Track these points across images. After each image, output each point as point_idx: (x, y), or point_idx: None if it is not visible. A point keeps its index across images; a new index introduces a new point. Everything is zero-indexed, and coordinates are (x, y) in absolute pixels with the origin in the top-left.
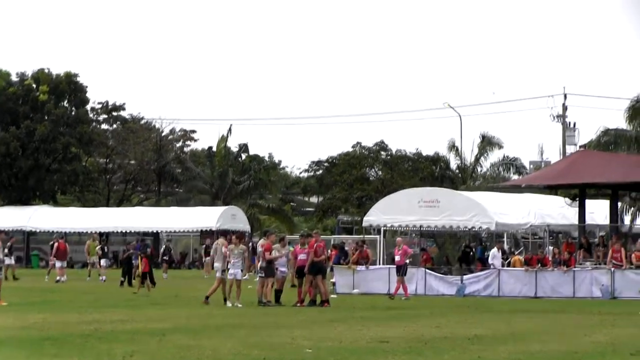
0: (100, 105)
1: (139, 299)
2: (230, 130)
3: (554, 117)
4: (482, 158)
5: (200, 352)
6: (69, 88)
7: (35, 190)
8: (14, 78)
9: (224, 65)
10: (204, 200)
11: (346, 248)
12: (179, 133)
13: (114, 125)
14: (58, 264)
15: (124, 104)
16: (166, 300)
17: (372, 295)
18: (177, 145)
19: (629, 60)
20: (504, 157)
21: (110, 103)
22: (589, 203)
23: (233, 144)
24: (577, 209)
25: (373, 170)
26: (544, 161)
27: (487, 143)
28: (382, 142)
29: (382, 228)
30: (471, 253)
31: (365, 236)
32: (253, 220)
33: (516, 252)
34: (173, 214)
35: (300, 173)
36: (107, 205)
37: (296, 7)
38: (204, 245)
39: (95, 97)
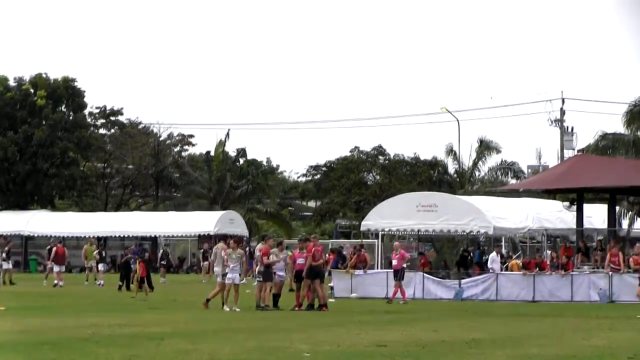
0: (98, 110)
1: (137, 303)
2: (228, 134)
3: (551, 122)
4: (480, 162)
5: (199, 357)
6: (66, 93)
7: (33, 195)
8: (11, 83)
9: (222, 70)
10: (201, 204)
11: (344, 252)
12: (177, 138)
13: (112, 130)
14: (56, 268)
15: (121, 108)
16: (164, 304)
17: (370, 299)
18: (175, 149)
19: (627, 64)
20: (501, 161)
21: (108, 108)
22: (587, 207)
23: (231, 149)
24: (575, 213)
25: (371, 174)
26: (542, 165)
27: (485, 147)
28: (380, 146)
29: (380, 232)
30: (469, 257)
31: (363, 240)
32: (251, 225)
33: (514, 257)
34: (171, 218)
35: (298, 177)
36: (105, 210)
37: (294, 12)
38: (202, 250)
39: (93, 101)
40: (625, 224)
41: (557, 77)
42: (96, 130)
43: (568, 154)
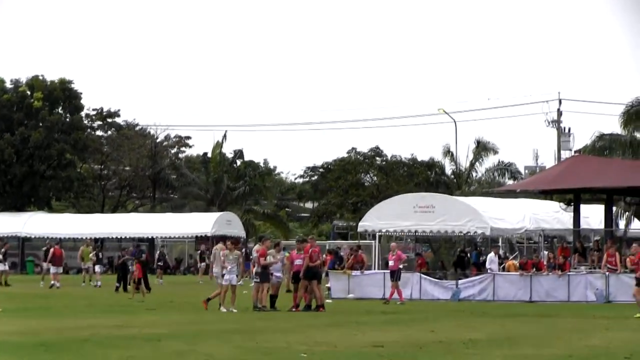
0: (94, 112)
1: (134, 304)
2: (225, 136)
3: (548, 123)
4: (477, 163)
5: (196, 358)
6: (63, 95)
7: (30, 197)
8: (8, 85)
9: (219, 71)
10: (199, 206)
11: (341, 253)
12: (174, 139)
13: (109, 132)
14: (53, 269)
15: (118, 110)
16: (161, 305)
17: (367, 300)
18: (172, 151)
19: (624, 65)
20: (499, 162)
21: (105, 109)
22: (583, 208)
23: (228, 150)
24: (572, 214)
25: (368, 175)
26: (539, 166)
27: (482, 148)
28: (377, 147)
29: (378, 233)
30: (466, 258)
31: (361, 241)
32: (248, 226)
33: (511, 257)
34: (168, 220)
35: (296, 179)
36: (102, 212)
37: (291, 14)
38: (199, 251)
39: (89, 103)
40: (622, 224)
41: (554, 78)
42: (93, 132)
43: (565, 154)
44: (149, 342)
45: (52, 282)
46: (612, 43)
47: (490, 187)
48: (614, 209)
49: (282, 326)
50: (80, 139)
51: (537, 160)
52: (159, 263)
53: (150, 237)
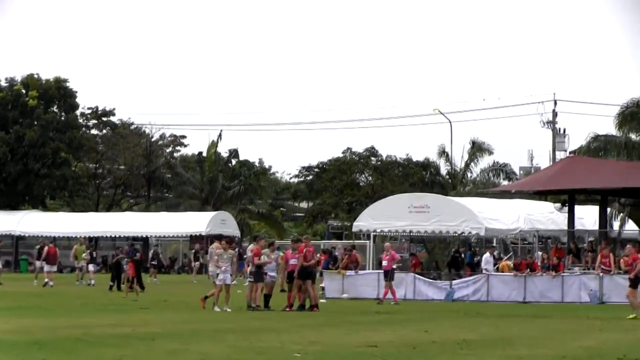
0: (89, 111)
1: (128, 303)
2: (220, 135)
3: (544, 123)
4: (472, 164)
5: (190, 357)
6: (58, 93)
7: (24, 195)
8: (3, 83)
9: (215, 70)
10: (193, 205)
11: (335, 253)
12: (169, 138)
13: (104, 131)
14: (47, 268)
15: (113, 109)
16: (155, 304)
17: (361, 300)
18: (167, 150)
19: (619, 66)
20: (494, 162)
21: (100, 108)
22: (578, 209)
23: (223, 150)
24: (566, 215)
25: (363, 175)
26: (533, 167)
27: (477, 149)
28: (373, 147)
29: (372, 233)
30: (460, 258)
31: (355, 241)
32: (243, 226)
33: (505, 258)
34: (163, 219)
35: (291, 178)
36: (97, 210)
37: (287, 13)
38: (194, 250)
39: (84, 102)
40: (616, 225)
41: (550, 79)
42: (88, 131)
43: (560, 155)
44: (142, 341)
45: (46, 280)
46: (608, 44)
47: (485, 188)
48: (608, 210)
49: (276, 326)
50: (75, 138)
51: (532, 161)
52: (153, 262)
53: (144, 236)
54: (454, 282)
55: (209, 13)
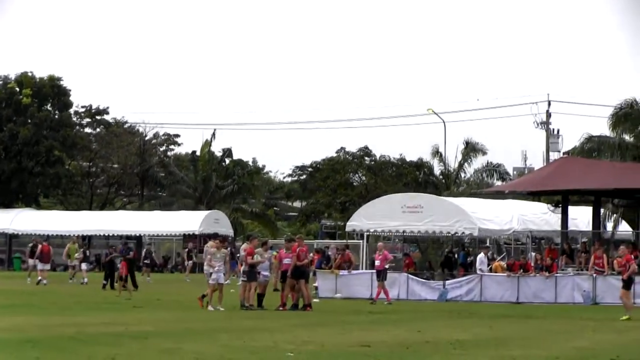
0: (83, 109)
1: (121, 302)
2: (214, 134)
3: (537, 124)
4: (465, 164)
5: (182, 356)
6: (52, 91)
7: (18, 193)
8: None
9: (209, 70)
10: (187, 204)
11: (329, 253)
12: (163, 137)
13: (98, 129)
14: (40, 266)
15: (107, 107)
16: (148, 303)
17: (355, 299)
18: (161, 149)
19: (613, 67)
20: (487, 163)
21: (93, 107)
22: (571, 209)
23: (217, 149)
24: (560, 215)
25: (357, 175)
26: (527, 167)
27: (470, 149)
28: (366, 147)
29: (366, 233)
30: (454, 258)
31: (349, 241)
32: (236, 225)
33: (498, 258)
34: (156, 217)
35: (284, 178)
36: (90, 209)
37: (281, 13)
38: (187, 249)
39: (78, 100)
40: (609, 226)
41: (544, 80)
42: (82, 129)
43: (554, 156)
44: (135, 339)
45: (39, 278)
46: (602, 45)
47: (479, 188)
48: (602, 210)
49: (269, 325)
50: (69, 136)
51: (525, 161)
52: (146, 261)
53: (138, 234)
54: (447, 282)
55: (203, 13)
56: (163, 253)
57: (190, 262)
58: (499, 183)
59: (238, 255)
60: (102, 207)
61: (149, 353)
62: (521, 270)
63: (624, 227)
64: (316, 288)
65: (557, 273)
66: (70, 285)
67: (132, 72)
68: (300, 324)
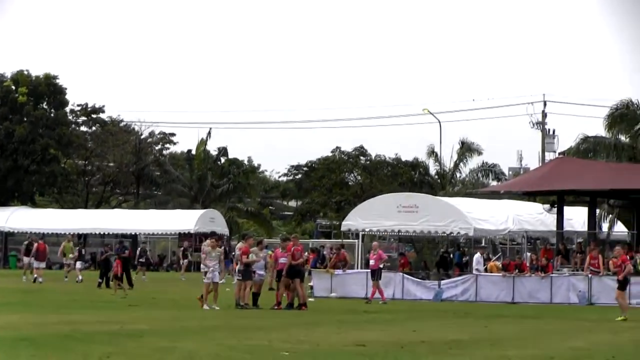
0: (79, 108)
1: (116, 300)
2: (209, 133)
3: (533, 124)
4: (461, 164)
5: (178, 354)
6: (48, 90)
7: (13, 192)
8: None
9: (204, 69)
10: (182, 203)
11: (324, 252)
12: (158, 136)
13: (93, 128)
14: (36, 264)
15: (103, 106)
16: (144, 302)
17: (350, 299)
18: (156, 148)
19: (609, 68)
20: (483, 163)
21: (89, 105)
22: (567, 210)
23: (212, 148)
24: (555, 216)
25: (352, 175)
26: (522, 168)
27: (466, 149)
28: (362, 147)
29: (361, 233)
30: (449, 258)
31: (344, 240)
32: (231, 224)
33: (493, 258)
34: (151, 216)
35: (279, 177)
36: (86, 207)
37: (277, 12)
38: (182, 248)
39: (74, 99)
40: (605, 226)
41: (539, 80)
42: (77, 128)
43: (549, 156)
44: (131, 338)
45: (35, 276)
46: (597, 45)
47: (474, 188)
48: (598, 211)
49: (264, 324)
50: (65, 135)
51: (521, 161)
52: (141, 259)
53: (133, 233)
54: (442, 282)
55: (199, 11)
56: (158, 252)
57: (186, 260)
58: (494, 183)
59: (233, 254)
60: (97, 206)
61: (144, 351)
62: (517, 271)
63: (620, 228)
64: (311, 287)
65: (552, 273)
66: (66, 284)
67: (128, 70)
68: (295, 323)
